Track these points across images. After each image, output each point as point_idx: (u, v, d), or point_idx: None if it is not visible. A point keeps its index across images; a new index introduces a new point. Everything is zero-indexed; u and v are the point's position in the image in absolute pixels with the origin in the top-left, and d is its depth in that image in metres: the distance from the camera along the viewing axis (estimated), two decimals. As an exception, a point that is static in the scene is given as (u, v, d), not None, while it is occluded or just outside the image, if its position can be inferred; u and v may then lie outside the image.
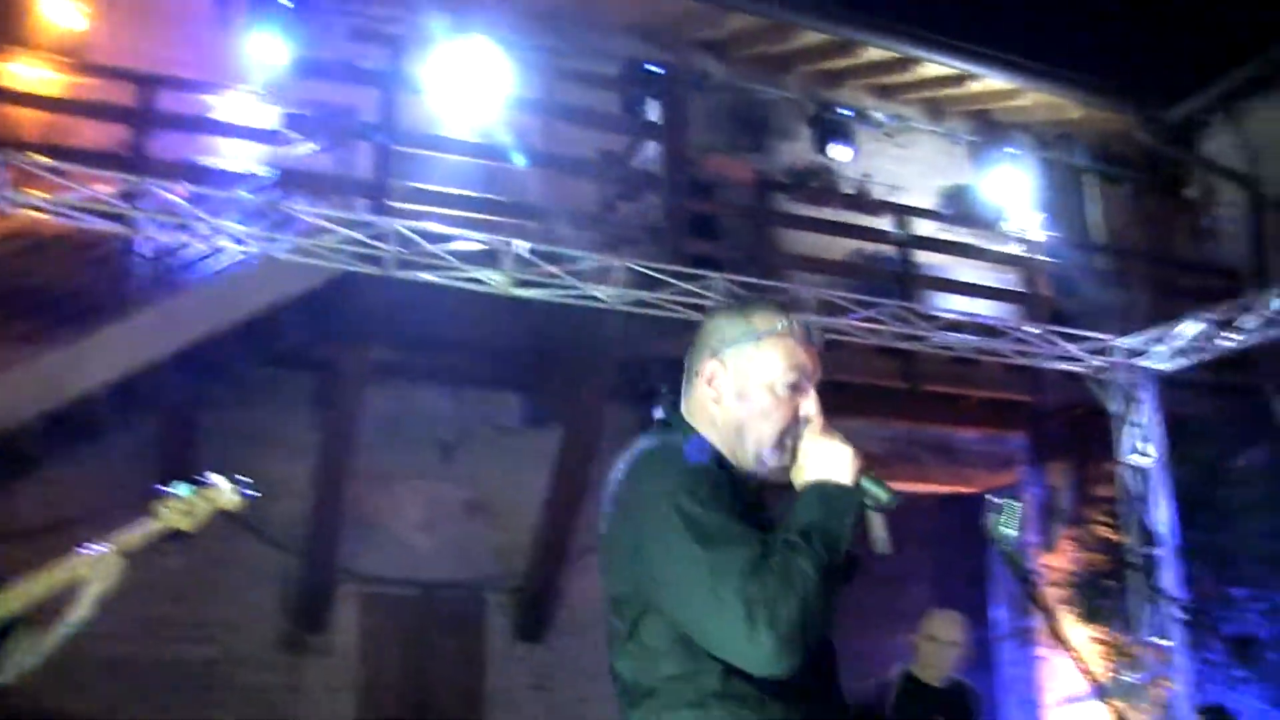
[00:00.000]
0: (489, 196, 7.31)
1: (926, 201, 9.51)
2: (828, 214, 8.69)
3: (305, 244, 5.53)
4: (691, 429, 1.98)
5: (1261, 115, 9.97)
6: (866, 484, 1.86)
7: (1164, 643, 6.94)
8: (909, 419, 8.42)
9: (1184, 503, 7.56)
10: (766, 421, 1.93)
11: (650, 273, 5.93)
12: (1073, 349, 7.10)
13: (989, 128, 10.37)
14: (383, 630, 7.51)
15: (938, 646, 4.89)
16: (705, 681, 1.79)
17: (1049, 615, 6.20)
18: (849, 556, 1.85)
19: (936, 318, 6.87)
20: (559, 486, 7.46)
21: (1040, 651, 8.74)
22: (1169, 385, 7.58)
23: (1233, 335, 6.85)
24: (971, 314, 7.25)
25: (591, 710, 6.97)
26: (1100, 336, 7.19)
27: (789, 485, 1.94)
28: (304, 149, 7.01)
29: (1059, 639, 4.35)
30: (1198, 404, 8.70)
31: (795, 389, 1.95)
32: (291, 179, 6.67)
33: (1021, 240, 9.10)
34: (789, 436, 1.93)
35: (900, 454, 8.49)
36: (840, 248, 8.46)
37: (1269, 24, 9.46)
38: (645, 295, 5.93)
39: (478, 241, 5.73)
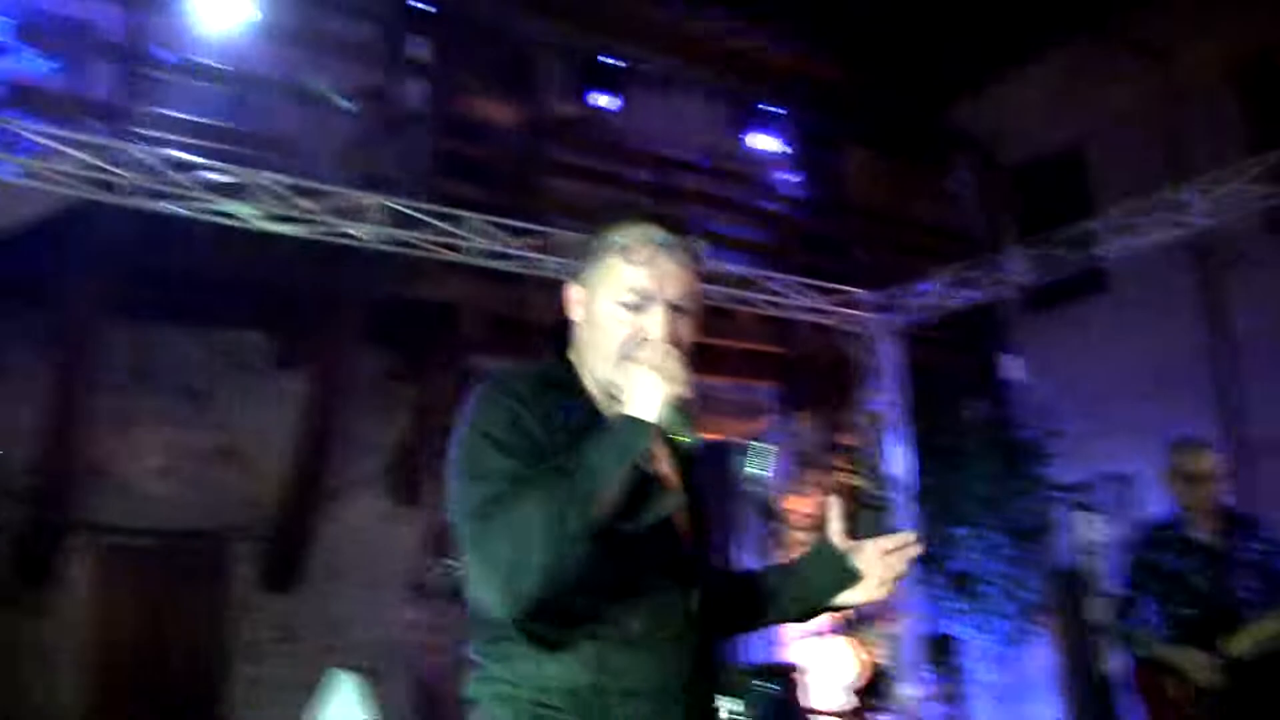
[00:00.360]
0: (240, 128, 7.18)
1: (690, 156, 9.89)
2: (592, 163, 8.95)
3: (36, 167, 5.34)
4: (554, 357, 2.01)
5: (998, 89, 10.90)
6: (669, 422, 1.74)
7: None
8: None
9: (917, 449, 8.34)
10: (609, 341, 1.90)
11: (408, 212, 5.99)
12: (823, 302, 7.67)
13: (753, 86, 10.84)
14: (117, 583, 7.34)
15: None
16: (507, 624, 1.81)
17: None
18: (657, 488, 1.80)
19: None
20: (308, 431, 7.46)
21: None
22: (908, 339, 8.30)
23: (965, 294, 7.56)
24: (727, 266, 7.68)
25: (341, 660, 7.04)
26: (848, 290, 7.79)
27: None
28: (36, 64, 6.68)
29: None
30: (932, 357, 9.51)
31: (634, 308, 1.89)
32: (22, 96, 6.37)
33: (778, 197, 9.63)
34: (629, 359, 1.84)
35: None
36: (603, 197, 8.71)
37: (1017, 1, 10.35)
38: (402, 234, 6.01)
39: (227, 173, 5.66)
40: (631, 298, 1.89)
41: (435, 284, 7.04)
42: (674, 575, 1.90)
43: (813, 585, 2.09)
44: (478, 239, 6.13)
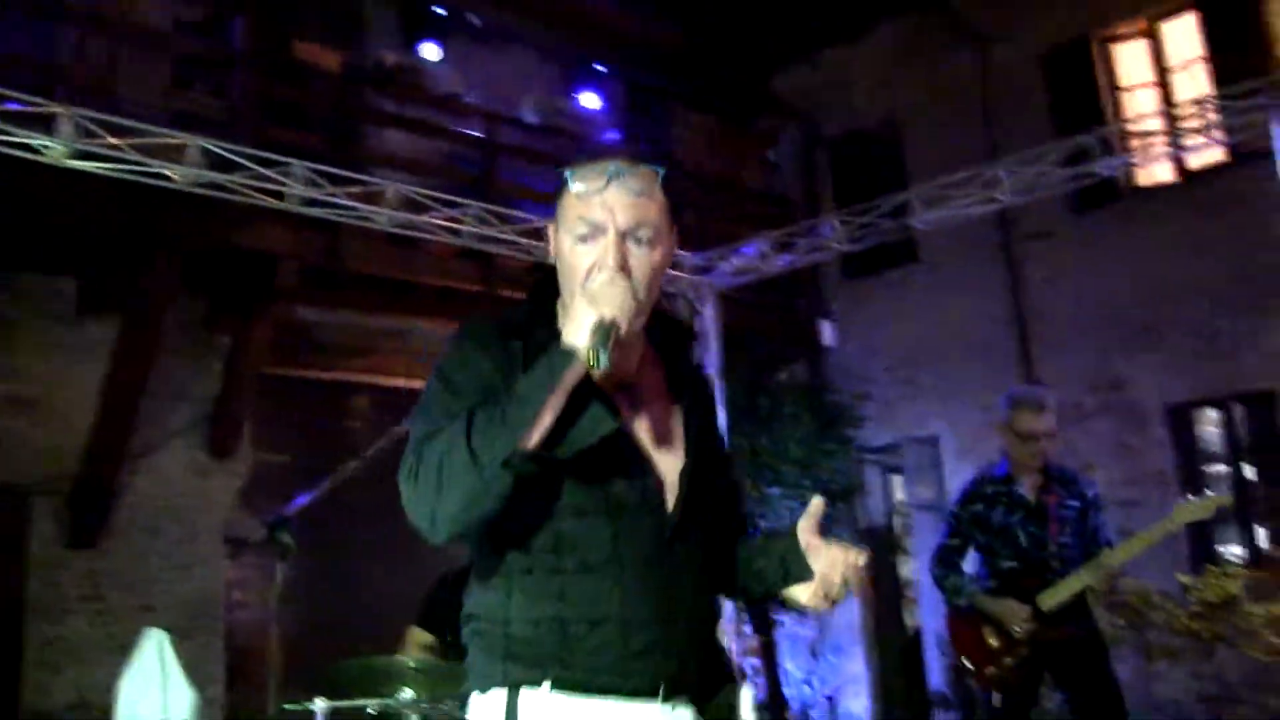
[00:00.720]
0: (46, 59, 6.83)
1: (515, 110, 9.86)
2: (417, 114, 8.84)
3: None
4: (531, 302, 2.04)
5: (824, 61, 11.23)
6: (592, 346, 1.73)
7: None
8: (484, 322, 8.84)
9: (729, 408, 8.58)
10: (571, 276, 1.92)
11: (227, 155, 5.82)
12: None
13: (583, 43, 10.88)
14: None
15: None
16: (484, 549, 1.90)
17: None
18: (598, 411, 1.79)
19: (518, 223, 7.28)
20: (116, 381, 7.18)
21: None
22: (727, 301, 8.52)
23: (784, 258, 7.79)
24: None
25: (151, 619, 6.86)
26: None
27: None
28: None
29: None
30: (750, 320, 9.79)
31: (585, 239, 1.90)
32: None
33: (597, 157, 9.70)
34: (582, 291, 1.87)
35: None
36: (426, 148, 8.63)
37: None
38: (220, 178, 5.83)
39: (30, 103, 5.38)
40: (584, 229, 1.90)
41: (252, 231, 6.86)
42: (641, 493, 1.89)
43: (772, 570, 2.02)
44: (299, 186, 5.99)
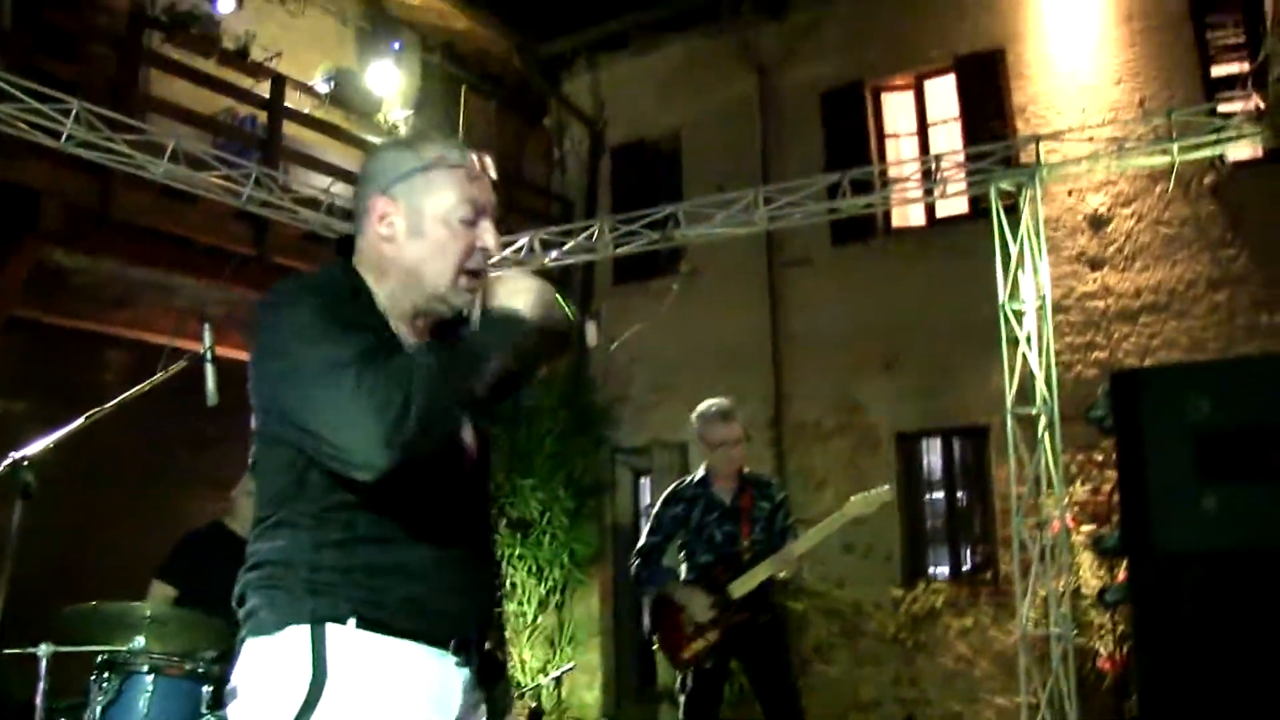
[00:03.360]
0: None
1: (306, 76, 9.83)
2: (202, 65, 8.71)
3: None
4: (341, 272, 2.00)
5: (614, 68, 11.67)
6: (562, 312, 1.86)
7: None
8: (254, 287, 8.75)
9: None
10: (444, 257, 1.93)
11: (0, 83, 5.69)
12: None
13: (380, 18, 10.92)
14: None
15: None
16: (296, 506, 1.86)
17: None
18: (516, 377, 1.89)
19: (296, 191, 7.34)
20: None
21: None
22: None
23: (555, 256, 8.13)
24: (331, 193, 7.79)
25: None
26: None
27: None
28: None
29: None
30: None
31: (470, 222, 1.95)
32: None
33: (390, 133, 9.79)
34: (467, 270, 1.94)
35: (240, 320, 8.81)
36: (210, 103, 8.51)
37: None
38: (-12, 107, 5.70)
39: None
40: (468, 211, 1.94)
41: (15, 165, 6.64)
42: (462, 471, 1.99)
43: None
44: (72, 125, 5.91)
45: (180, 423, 8.10)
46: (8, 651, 4.02)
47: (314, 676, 1.78)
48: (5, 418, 7.71)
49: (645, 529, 5.44)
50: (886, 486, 5.15)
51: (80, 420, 4.17)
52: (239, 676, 1.89)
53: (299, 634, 1.81)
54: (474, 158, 2.00)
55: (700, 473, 5.41)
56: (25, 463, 4.02)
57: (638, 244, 7.86)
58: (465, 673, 1.93)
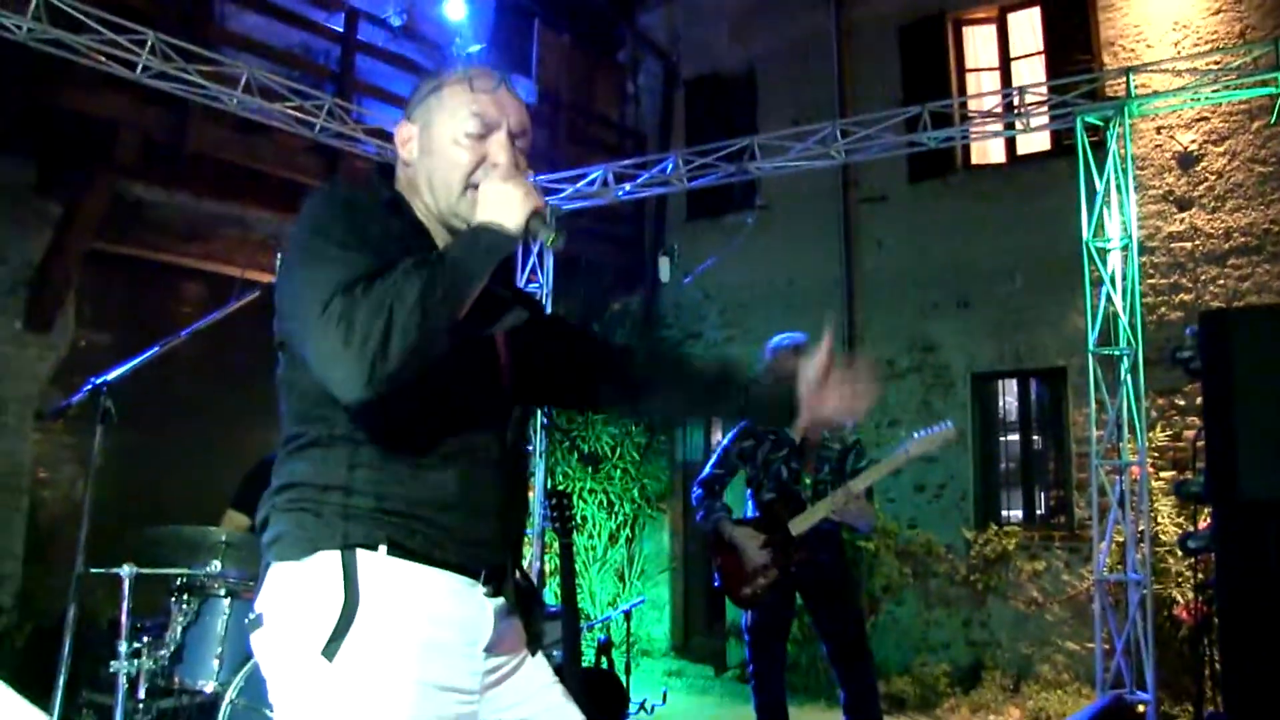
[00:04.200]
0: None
1: (379, 9, 9.78)
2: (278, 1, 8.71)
3: None
4: (379, 182, 2.02)
5: (689, 2, 11.48)
6: (534, 224, 1.83)
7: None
8: (327, 220, 8.80)
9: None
10: (453, 170, 1.95)
11: (73, 12, 5.70)
12: (490, 177, 7.93)
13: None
14: None
15: None
16: (327, 425, 1.84)
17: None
18: (497, 301, 1.89)
19: (371, 123, 7.33)
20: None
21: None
22: (568, 225, 8.73)
23: (628, 190, 8.04)
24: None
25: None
26: (518, 171, 8.09)
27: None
28: None
29: None
30: (590, 248, 10.03)
31: (480, 136, 1.96)
32: None
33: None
34: (475, 185, 1.93)
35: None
36: (283, 37, 8.52)
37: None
38: (65, 36, 5.73)
39: None
40: (476, 125, 1.95)
41: (92, 97, 6.70)
42: (493, 397, 1.98)
43: (761, 402, 2.23)
44: (151, 58, 5.93)
45: (254, 355, 8.23)
46: (93, 571, 4.13)
47: (345, 604, 1.76)
48: (88, 349, 7.87)
49: (711, 460, 5.39)
50: (950, 424, 5.01)
51: (154, 349, 4.23)
52: (265, 603, 1.86)
53: (330, 560, 1.79)
54: (488, 75, 2.00)
55: None
56: (105, 389, 4.11)
57: (712, 178, 7.74)
58: (497, 601, 1.92)
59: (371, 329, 1.63)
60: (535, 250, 8.30)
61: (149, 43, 5.95)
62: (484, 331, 1.89)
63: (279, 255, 1.91)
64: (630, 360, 2.30)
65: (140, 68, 6.01)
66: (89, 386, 4.05)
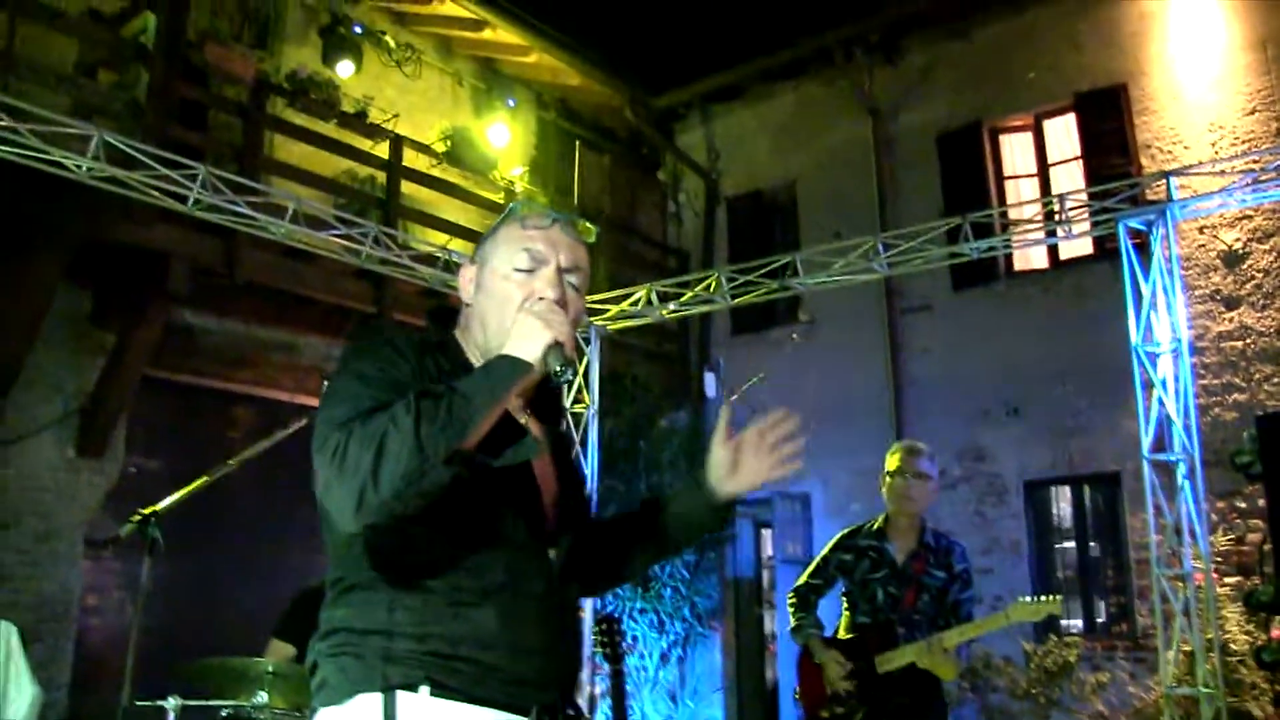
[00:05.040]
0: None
1: (423, 136, 10.02)
2: (323, 128, 8.94)
3: None
4: (437, 327, 2.07)
5: (727, 119, 11.67)
6: (548, 357, 1.81)
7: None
8: (375, 343, 8.88)
9: (610, 450, 8.80)
10: (504, 305, 1.95)
11: (129, 150, 5.88)
12: (537, 299, 7.99)
13: (494, 77, 11.11)
14: None
15: None
16: (363, 566, 1.84)
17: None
18: (518, 429, 1.86)
19: (414, 249, 7.44)
20: (-8, 369, 7.09)
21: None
22: (615, 345, 8.77)
23: (673, 307, 8.05)
24: (449, 250, 7.89)
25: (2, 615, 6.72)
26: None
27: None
28: None
29: None
30: (633, 365, 10.04)
31: (529, 271, 1.97)
32: None
33: (507, 190, 9.91)
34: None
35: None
36: (330, 165, 8.72)
37: (748, 38, 11.11)
38: (120, 174, 5.89)
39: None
40: (525, 260, 1.97)
41: (145, 229, 6.87)
42: (535, 531, 1.94)
43: (687, 519, 2.20)
44: (199, 190, 6.07)
45: (301, 478, 8.25)
46: (139, 703, 4.07)
47: None
48: (139, 474, 7.91)
49: (810, 566, 5.13)
50: (1057, 597, 4.82)
51: (203, 478, 4.23)
52: None
53: (371, 702, 1.78)
54: (542, 213, 2.04)
55: (879, 522, 5.04)
56: (153, 519, 4.10)
57: (756, 294, 7.75)
58: None
59: (362, 459, 1.65)
60: (581, 368, 8.31)
61: (200, 176, 6.10)
62: (495, 463, 1.83)
63: (325, 383, 1.95)
64: (601, 535, 2.23)
65: (191, 201, 6.15)
66: (137, 516, 4.04)
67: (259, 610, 5.51)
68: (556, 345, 1.80)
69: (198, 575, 7.66)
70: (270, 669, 4.50)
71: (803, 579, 5.11)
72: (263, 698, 4.37)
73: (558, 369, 1.81)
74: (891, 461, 5.03)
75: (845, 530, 5.16)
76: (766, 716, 10.46)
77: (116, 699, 4.02)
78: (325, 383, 1.91)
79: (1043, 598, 4.81)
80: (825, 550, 5.12)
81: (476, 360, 1.99)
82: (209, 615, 7.56)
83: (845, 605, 5.04)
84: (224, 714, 4.44)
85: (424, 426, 1.67)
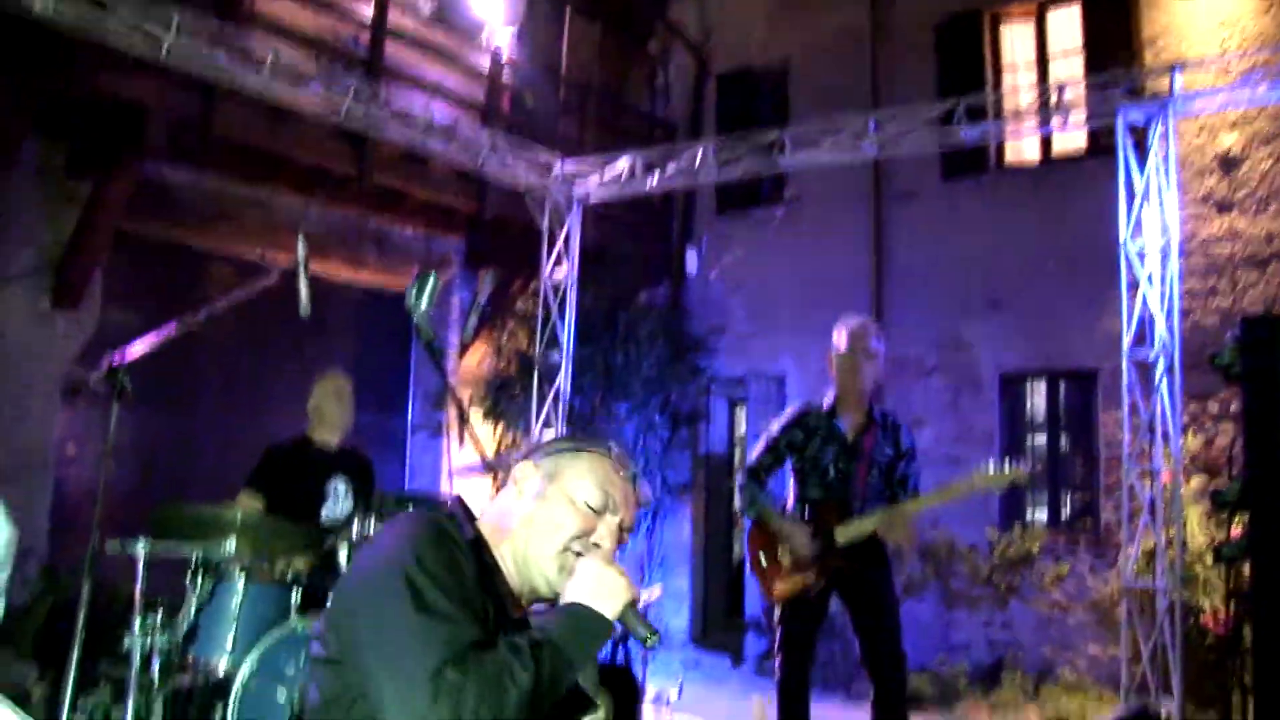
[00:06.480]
0: None
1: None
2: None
3: None
4: (465, 519, 1.99)
5: (720, -5, 11.35)
6: (630, 619, 1.83)
7: (549, 438, 8.09)
8: (354, 207, 8.73)
9: (589, 322, 8.73)
10: (559, 528, 1.93)
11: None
12: (519, 164, 7.84)
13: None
14: None
15: (333, 408, 5.34)
16: None
17: (459, 410, 6.92)
18: (581, 696, 1.90)
19: (397, 111, 7.23)
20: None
21: (447, 442, 9.73)
22: (595, 216, 8.63)
23: (657, 179, 7.88)
24: (431, 109, 7.69)
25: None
26: (544, 157, 7.99)
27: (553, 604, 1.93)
28: None
29: (465, 432, 5.04)
30: (616, 238, 9.93)
31: (597, 511, 1.96)
32: None
33: (494, 54, 9.63)
34: (571, 553, 1.92)
35: (340, 241, 8.83)
36: (313, 23, 8.42)
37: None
38: (94, 16, 5.64)
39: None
40: (599, 500, 1.96)
41: (120, 81, 6.63)
42: None
43: None
44: (175, 38, 5.84)
45: (277, 340, 8.18)
46: (109, 547, 4.07)
47: None
48: (116, 329, 7.82)
49: (760, 445, 5.15)
50: (1023, 467, 4.84)
51: (170, 328, 4.15)
52: None
53: None
54: (629, 464, 2.04)
55: (829, 400, 5.08)
56: (123, 366, 4.04)
57: (742, 169, 7.59)
58: None
59: (480, 712, 1.60)
60: (562, 236, 8.18)
61: (175, 22, 5.86)
62: None
63: (356, 575, 1.88)
64: None
65: (166, 49, 5.92)
66: (106, 363, 3.98)
67: (238, 466, 5.49)
68: (634, 603, 1.82)
69: (179, 430, 7.66)
70: (239, 518, 4.50)
71: (754, 458, 5.13)
72: (231, 546, 4.37)
73: (649, 634, 1.84)
74: (841, 340, 5.04)
75: (794, 409, 5.18)
76: (732, 589, 10.63)
77: (88, 544, 4.01)
78: (375, 572, 1.81)
79: (1011, 468, 4.84)
80: (775, 429, 5.14)
81: (503, 564, 1.96)
82: (188, 468, 7.59)
83: (794, 482, 5.09)
84: (193, 560, 4.44)
85: (540, 685, 1.66)
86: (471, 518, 2.01)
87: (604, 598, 1.81)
